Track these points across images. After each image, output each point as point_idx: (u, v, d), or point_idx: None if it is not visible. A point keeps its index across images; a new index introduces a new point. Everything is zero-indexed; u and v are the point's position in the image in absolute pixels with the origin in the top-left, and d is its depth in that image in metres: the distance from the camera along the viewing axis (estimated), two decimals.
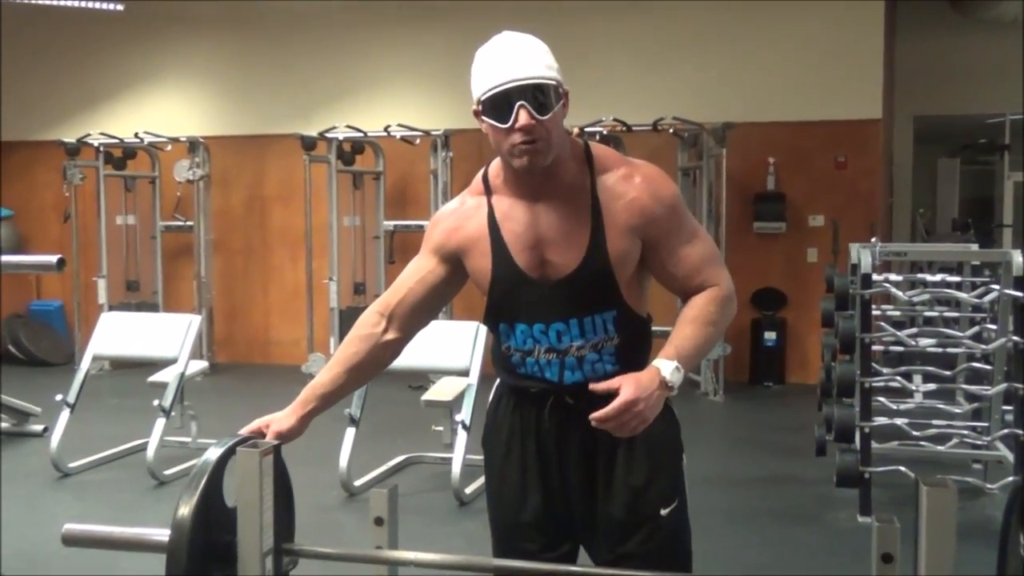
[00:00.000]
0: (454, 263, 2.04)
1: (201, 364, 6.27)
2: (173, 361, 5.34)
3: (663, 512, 2.00)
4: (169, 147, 8.86)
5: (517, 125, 1.82)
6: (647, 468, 1.99)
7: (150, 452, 5.07)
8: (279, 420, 1.99)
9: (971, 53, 10.46)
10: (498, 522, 2.15)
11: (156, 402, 5.19)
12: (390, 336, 2.09)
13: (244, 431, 1.92)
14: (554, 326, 1.94)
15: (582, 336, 1.94)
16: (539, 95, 1.83)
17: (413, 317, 2.10)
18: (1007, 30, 10.01)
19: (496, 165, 2.01)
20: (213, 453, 1.66)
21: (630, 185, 1.94)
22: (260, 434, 1.93)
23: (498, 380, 2.15)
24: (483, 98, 1.86)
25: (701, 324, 1.91)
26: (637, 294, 1.99)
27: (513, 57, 1.86)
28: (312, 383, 2.08)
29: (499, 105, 1.84)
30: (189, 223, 8.81)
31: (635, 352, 2.00)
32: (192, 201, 8.74)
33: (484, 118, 1.88)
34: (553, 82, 1.86)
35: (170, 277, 9.17)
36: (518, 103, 1.81)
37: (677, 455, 2.06)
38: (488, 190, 2.01)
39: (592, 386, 1.84)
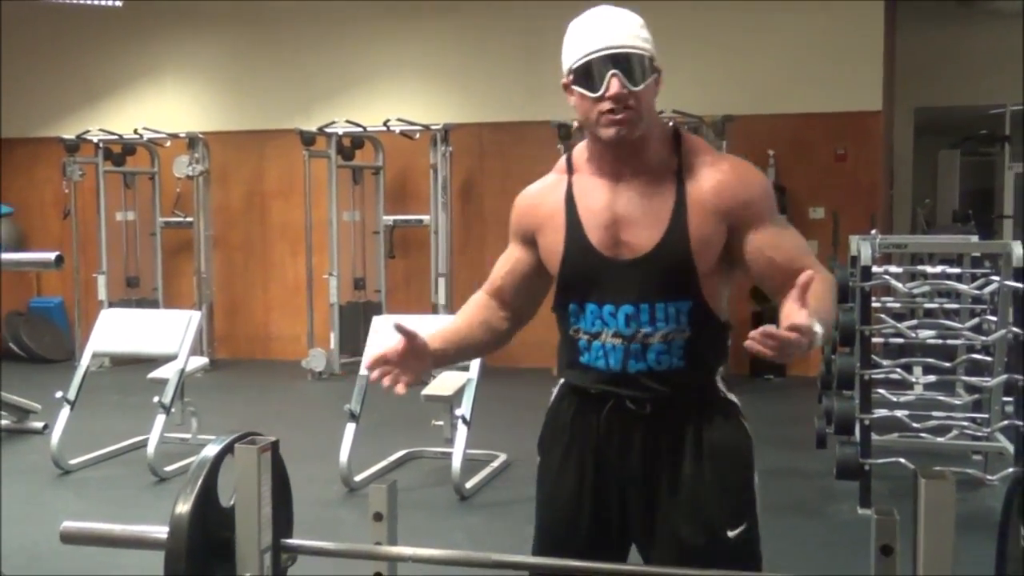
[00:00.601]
0: (536, 245, 1.99)
1: (201, 360, 6.28)
2: (173, 357, 5.34)
3: (729, 534, 1.87)
4: (168, 143, 8.86)
5: (608, 93, 1.77)
6: (713, 484, 1.88)
7: (150, 448, 5.08)
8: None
9: (972, 44, 10.43)
10: (547, 532, 2.05)
11: (156, 398, 5.19)
12: (504, 319, 2.06)
13: (377, 355, 1.86)
14: (623, 309, 1.86)
15: (652, 323, 1.85)
16: (632, 64, 1.78)
17: (517, 307, 2.06)
18: (1008, 21, 9.99)
19: (582, 146, 1.96)
20: (211, 450, 1.66)
21: (719, 169, 1.87)
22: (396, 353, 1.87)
23: (560, 380, 2.06)
24: (574, 66, 1.81)
25: (824, 295, 1.78)
26: (717, 291, 1.90)
27: (606, 26, 1.80)
28: (434, 332, 2.00)
29: (590, 74, 1.79)
30: (189, 219, 8.81)
31: (707, 353, 1.92)
32: (192, 197, 8.74)
33: (574, 87, 1.83)
34: (647, 53, 1.80)
35: (170, 273, 9.17)
36: (610, 71, 1.77)
37: (748, 472, 1.94)
38: (570, 168, 1.96)
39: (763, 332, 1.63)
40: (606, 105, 1.78)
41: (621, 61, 1.77)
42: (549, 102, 8.21)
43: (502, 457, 5.35)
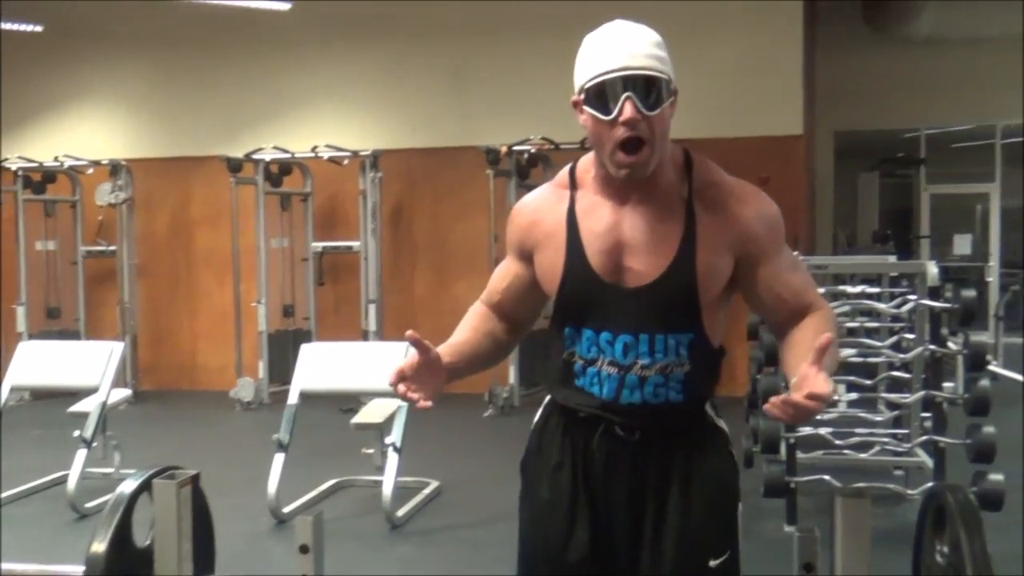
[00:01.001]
0: (534, 261, 1.91)
1: (124, 392, 6.14)
2: (95, 390, 5.21)
3: (712, 564, 1.84)
4: (91, 170, 8.68)
5: (622, 118, 1.67)
6: (700, 514, 1.84)
7: (71, 484, 4.94)
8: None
9: (887, 70, 10.79)
10: (534, 555, 1.95)
11: (77, 432, 5.06)
12: (506, 331, 1.99)
13: (397, 369, 1.74)
14: (622, 338, 1.79)
15: (651, 355, 1.78)
16: (649, 88, 1.69)
17: (517, 319, 1.99)
18: (920, 47, 10.35)
19: (587, 159, 1.87)
20: (128, 486, 1.63)
21: (732, 199, 1.80)
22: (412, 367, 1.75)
23: (548, 397, 1.99)
24: (587, 85, 1.71)
25: (835, 347, 1.74)
26: (716, 321, 1.84)
27: (623, 44, 1.71)
28: (443, 347, 1.87)
29: (603, 95, 1.69)
30: (112, 248, 8.63)
31: (703, 384, 1.87)
32: (115, 225, 8.57)
33: (586, 107, 1.73)
34: (664, 76, 1.72)
35: (93, 304, 8.96)
36: (625, 95, 1.67)
37: (734, 503, 1.91)
38: (573, 184, 1.86)
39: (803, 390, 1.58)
40: (620, 131, 1.69)
41: (637, 83, 1.69)
42: (478, 127, 8.30)
43: (434, 484, 5.32)
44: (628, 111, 1.67)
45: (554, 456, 1.91)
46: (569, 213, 1.83)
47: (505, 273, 1.96)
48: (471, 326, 1.96)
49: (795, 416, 1.59)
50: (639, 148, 1.70)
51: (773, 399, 1.60)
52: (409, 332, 1.74)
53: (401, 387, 1.73)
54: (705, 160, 1.87)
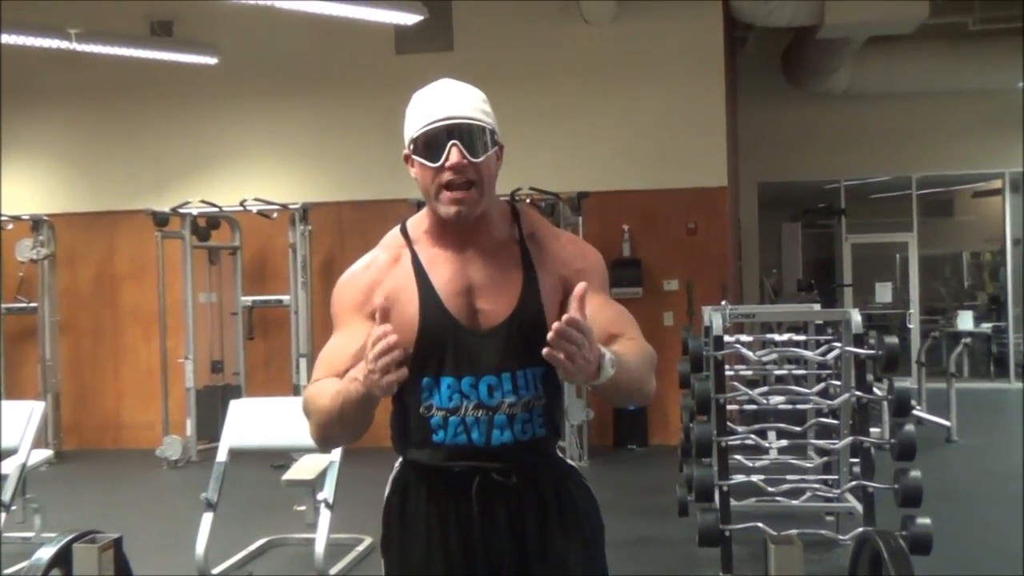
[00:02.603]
0: None
1: (45, 453, 5.95)
2: (14, 451, 5.03)
3: None
4: (11, 226, 8.47)
5: (448, 163, 1.75)
6: (577, 547, 1.89)
7: None
8: None
9: (807, 123, 11.14)
10: None
11: None
12: None
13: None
14: (485, 379, 1.81)
15: (515, 392, 1.82)
16: (473, 135, 1.77)
17: None
18: (838, 102, 10.71)
19: (416, 218, 1.93)
20: (46, 552, 1.57)
21: (559, 242, 1.92)
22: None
23: (397, 467, 1.95)
24: (415, 135, 1.79)
25: (633, 352, 1.80)
26: None
27: (448, 98, 1.80)
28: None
29: (431, 144, 1.77)
30: (33, 304, 8.41)
31: (557, 417, 1.91)
32: (36, 281, 8.36)
33: (415, 157, 1.81)
34: (488, 125, 1.80)
35: (12, 362, 8.69)
36: (450, 142, 1.76)
37: (602, 536, 1.98)
38: (409, 241, 1.91)
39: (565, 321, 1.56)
40: (446, 176, 1.76)
41: (462, 132, 1.77)
42: (408, 180, 8.19)
43: (367, 540, 5.23)
44: (454, 156, 1.76)
45: (421, 527, 1.87)
46: (416, 266, 1.87)
47: (351, 339, 1.84)
48: (333, 390, 1.76)
49: (558, 346, 1.56)
50: (467, 188, 1.77)
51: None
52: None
53: (385, 359, 1.60)
54: (530, 209, 1.99)
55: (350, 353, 1.82)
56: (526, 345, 1.81)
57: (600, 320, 1.81)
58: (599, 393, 1.76)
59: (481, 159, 1.78)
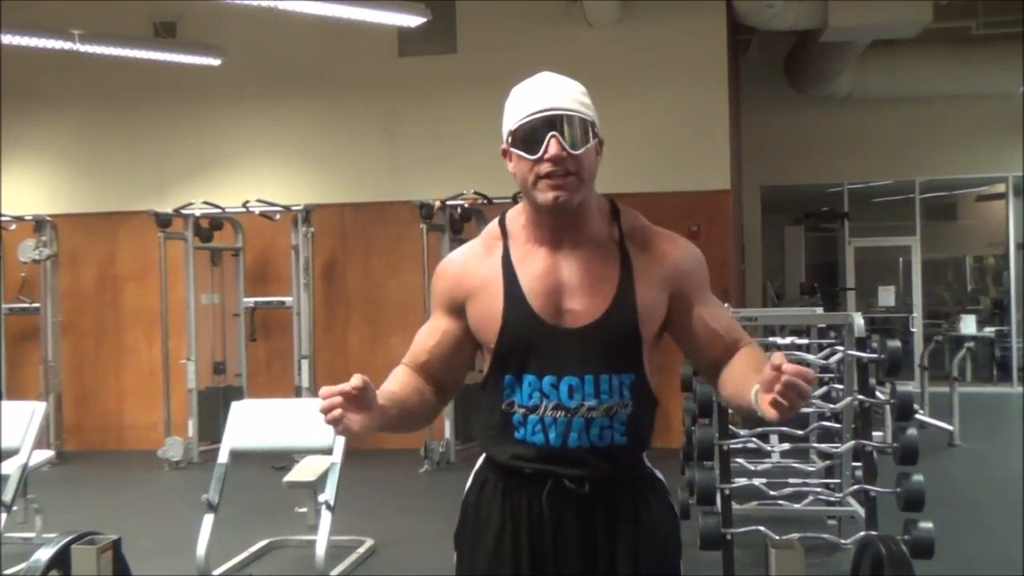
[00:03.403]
0: (466, 315, 1.87)
1: (47, 453, 5.95)
2: (15, 452, 5.03)
3: None
4: (13, 226, 8.47)
5: (547, 155, 1.73)
6: (651, 567, 1.83)
7: None
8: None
9: (810, 127, 11.13)
10: None
11: None
12: (432, 393, 1.89)
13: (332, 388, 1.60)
14: (566, 380, 1.77)
15: (596, 396, 1.78)
16: (572, 127, 1.75)
17: (444, 381, 1.91)
18: (841, 105, 10.71)
19: (516, 210, 1.90)
20: (44, 553, 1.56)
21: (660, 241, 1.88)
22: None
23: (480, 461, 1.94)
24: (514, 128, 1.77)
25: (762, 358, 1.78)
26: (652, 364, 1.86)
27: (548, 90, 1.78)
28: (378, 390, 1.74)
29: (529, 136, 1.74)
30: (35, 305, 8.42)
31: (644, 427, 1.86)
32: (38, 282, 8.37)
33: (512, 149, 1.78)
34: (588, 118, 1.78)
35: (15, 362, 8.69)
36: (550, 133, 1.73)
37: (679, 554, 1.92)
38: (505, 234, 1.88)
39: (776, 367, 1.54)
40: (545, 167, 1.73)
41: (561, 123, 1.74)
42: (411, 182, 8.32)
43: (368, 542, 5.23)
44: (553, 148, 1.73)
45: (494, 526, 1.84)
46: (505, 260, 1.84)
47: (433, 331, 1.91)
48: (400, 381, 1.86)
49: (791, 397, 1.54)
50: (566, 176, 1.74)
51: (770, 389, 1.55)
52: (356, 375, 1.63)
53: (326, 403, 1.60)
54: (630, 208, 1.94)
55: (428, 347, 1.89)
56: (615, 349, 1.79)
57: (722, 328, 1.85)
58: (743, 412, 1.75)
59: (580, 151, 1.75)
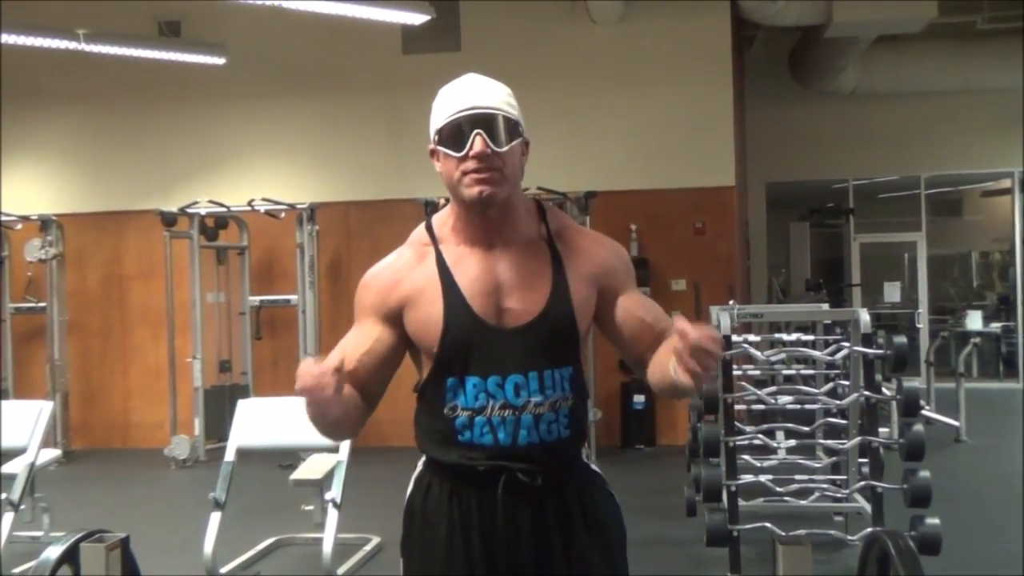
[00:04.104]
0: (400, 322, 1.87)
1: (54, 452, 5.95)
2: (23, 451, 5.05)
3: None
4: (19, 226, 8.50)
5: (472, 152, 1.75)
6: (601, 556, 1.87)
7: None
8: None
9: (814, 123, 11.11)
10: None
11: (4, 495, 4.89)
12: (358, 403, 1.86)
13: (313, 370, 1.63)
14: (512, 378, 1.79)
15: (542, 392, 1.80)
16: (497, 126, 1.77)
17: (370, 392, 1.88)
18: (846, 101, 10.69)
19: (443, 214, 1.91)
20: (53, 551, 1.57)
21: (587, 239, 1.92)
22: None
23: (421, 465, 1.93)
24: (440, 127, 1.79)
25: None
26: (584, 357, 1.91)
27: (473, 90, 1.81)
28: None
29: (455, 134, 1.77)
30: (42, 304, 8.44)
31: (582, 418, 1.89)
32: (44, 281, 8.38)
33: (439, 148, 1.80)
34: (512, 117, 1.80)
35: (21, 362, 8.72)
36: (475, 131, 1.75)
37: (624, 539, 1.96)
38: (434, 239, 1.89)
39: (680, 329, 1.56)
40: (470, 164, 1.75)
41: (486, 121, 1.76)
42: (415, 180, 8.32)
43: (375, 540, 5.23)
44: (478, 145, 1.75)
45: (442, 528, 1.84)
46: (439, 264, 1.85)
47: (363, 339, 1.88)
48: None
49: (701, 360, 1.55)
50: (490, 171, 1.76)
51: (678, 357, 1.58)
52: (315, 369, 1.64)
53: (325, 380, 1.62)
54: (555, 207, 1.99)
55: (357, 355, 1.85)
56: (555, 344, 1.82)
57: (650, 317, 1.89)
58: (671, 394, 1.77)
59: (505, 149, 1.77)
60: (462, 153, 1.76)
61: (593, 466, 1.97)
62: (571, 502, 1.87)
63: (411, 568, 1.91)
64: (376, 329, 1.88)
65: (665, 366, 1.70)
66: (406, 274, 1.88)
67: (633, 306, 1.90)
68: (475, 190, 1.76)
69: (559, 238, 1.88)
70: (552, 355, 1.82)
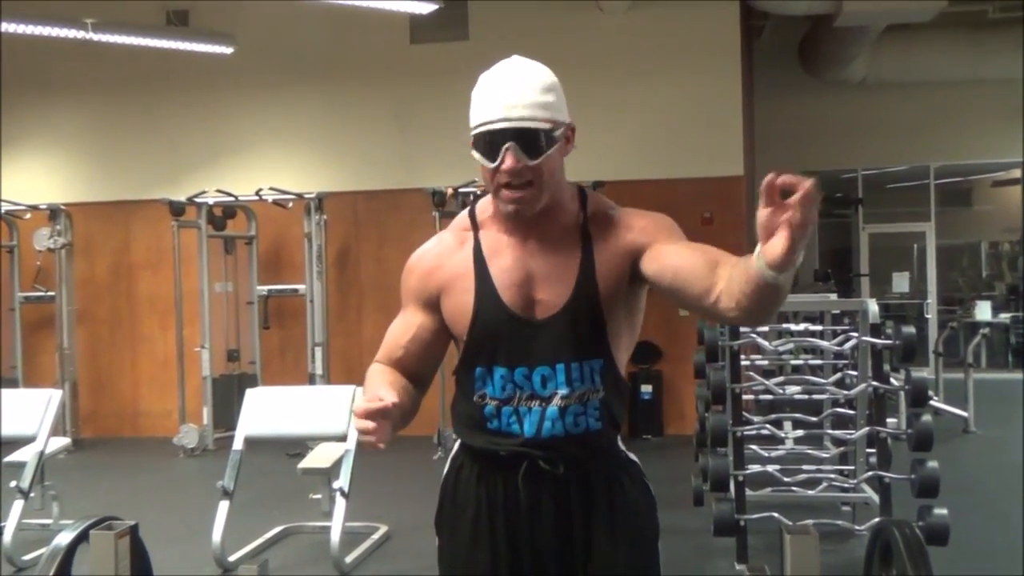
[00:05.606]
0: (439, 308, 1.88)
1: (63, 441, 5.98)
2: (32, 439, 5.08)
3: None
4: (28, 215, 8.53)
5: (503, 167, 1.73)
6: (626, 548, 1.86)
7: (7, 536, 4.79)
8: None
9: (824, 113, 11.07)
10: None
11: (13, 483, 4.92)
12: (413, 388, 1.87)
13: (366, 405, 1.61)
14: (539, 370, 1.79)
15: (568, 384, 1.80)
16: (528, 138, 1.73)
17: (419, 375, 1.91)
18: (855, 91, 10.64)
19: (485, 200, 1.90)
20: (64, 538, 1.58)
21: (627, 215, 1.85)
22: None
23: (456, 447, 1.96)
24: (473, 132, 1.77)
25: None
26: (620, 350, 1.86)
27: (507, 92, 1.74)
28: (378, 383, 1.76)
29: (488, 144, 1.74)
30: (51, 293, 8.46)
31: (617, 412, 1.87)
32: (53, 270, 8.41)
33: (474, 152, 1.78)
34: (546, 125, 1.75)
35: (31, 350, 8.76)
36: (506, 145, 1.72)
37: (656, 534, 1.95)
38: (475, 225, 1.88)
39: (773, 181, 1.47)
40: (503, 178, 1.74)
41: (518, 135, 1.72)
42: (423, 169, 8.32)
43: (383, 529, 5.25)
44: (509, 161, 1.73)
45: (470, 509, 1.88)
46: (476, 253, 1.85)
47: (408, 326, 1.91)
48: (387, 381, 1.81)
49: (800, 222, 1.48)
50: (524, 187, 1.74)
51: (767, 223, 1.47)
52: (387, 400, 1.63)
53: (369, 424, 1.60)
54: (599, 194, 1.93)
55: (403, 342, 1.89)
56: (582, 336, 1.80)
57: (701, 250, 1.72)
58: (772, 297, 1.53)
59: (539, 160, 1.74)
60: (494, 165, 1.74)
61: (631, 456, 1.95)
62: (597, 491, 1.86)
63: (443, 545, 1.94)
64: (419, 316, 1.90)
65: (743, 270, 1.54)
66: (445, 260, 1.88)
67: (681, 246, 1.76)
68: (511, 208, 1.77)
69: (594, 221, 1.84)
70: (579, 347, 1.80)
